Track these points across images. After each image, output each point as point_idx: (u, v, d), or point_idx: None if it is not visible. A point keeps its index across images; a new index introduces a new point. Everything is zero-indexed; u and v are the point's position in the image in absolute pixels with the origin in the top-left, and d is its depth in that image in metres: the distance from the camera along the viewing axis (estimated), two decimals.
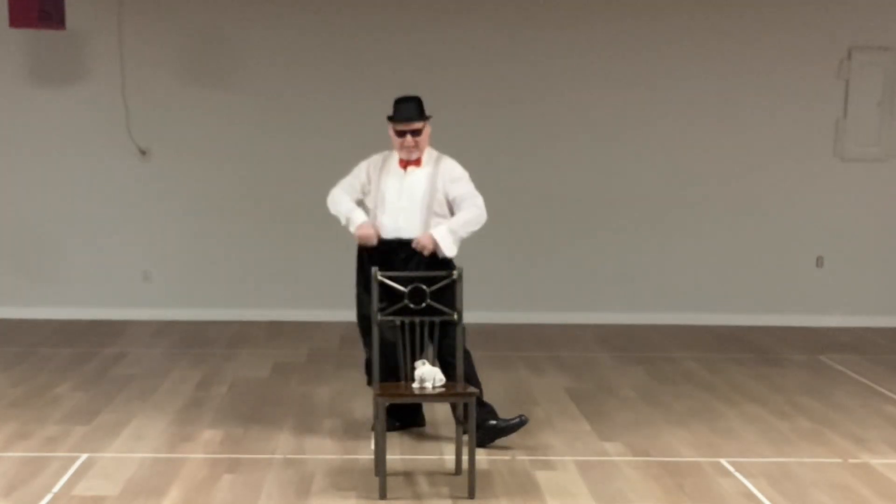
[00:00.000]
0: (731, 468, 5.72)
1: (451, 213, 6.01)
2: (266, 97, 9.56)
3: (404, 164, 6.04)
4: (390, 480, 5.26)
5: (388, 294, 5.52)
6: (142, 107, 9.52)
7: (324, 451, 5.91)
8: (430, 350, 5.66)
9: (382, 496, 5.15)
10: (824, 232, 9.91)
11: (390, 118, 6.02)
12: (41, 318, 9.51)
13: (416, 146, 5.98)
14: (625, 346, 8.90)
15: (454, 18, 9.57)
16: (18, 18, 8.65)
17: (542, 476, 5.54)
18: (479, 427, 5.53)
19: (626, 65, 9.65)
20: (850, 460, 5.92)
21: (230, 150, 9.62)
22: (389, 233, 5.97)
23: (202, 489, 5.27)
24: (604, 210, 9.78)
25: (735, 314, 9.84)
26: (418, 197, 5.97)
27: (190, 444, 6.02)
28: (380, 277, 5.47)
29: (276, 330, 9.29)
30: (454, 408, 5.84)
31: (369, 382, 5.97)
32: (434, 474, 5.54)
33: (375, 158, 6.16)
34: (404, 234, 5.95)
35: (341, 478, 5.46)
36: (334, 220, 6.20)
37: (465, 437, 5.31)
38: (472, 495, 5.16)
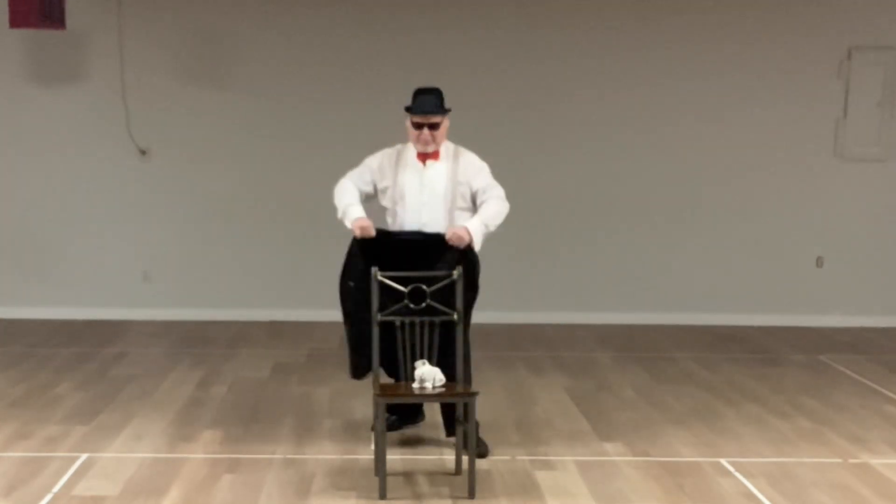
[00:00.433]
0: (731, 468, 5.72)
1: (474, 204, 5.84)
2: (266, 97, 9.56)
3: (422, 157, 5.82)
4: (390, 480, 5.25)
5: (387, 293, 5.49)
6: (142, 107, 9.52)
7: (324, 451, 5.91)
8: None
9: (382, 496, 5.15)
10: (824, 232, 9.91)
11: (408, 109, 5.80)
12: (41, 318, 9.50)
13: (434, 140, 5.77)
14: (625, 346, 8.89)
15: (455, 19, 9.57)
16: (18, 18, 8.65)
17: (542, 476, 5.54)
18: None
19: (625, 66, 9.65)
20: (850, 460, 5.92)
21: (230, 150, 9.62)
22: (411, 228, 5.79)
23: (202, 489, 5.27)
24: (604, 210, 9.78)
25: (735, 314, 9.84)
26: (440, 191, 5.79)
27: (190, 444, 6.02)
28: (380, 277, 5.46)
29: (276, 330, 9.29)
30: (445, 416, 5.83)
31: (354, 376, 5.90)
32: (434, 474, 5.53)
33: (389, 152, 5.94)
34: (428, 229, 5.76)
35: (341, 478, 5.46)
36: (334, 219, 6.06)
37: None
38: (472, 495, 5.16)
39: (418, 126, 5.76)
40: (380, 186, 5.91)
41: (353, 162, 6.15)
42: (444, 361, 5.47)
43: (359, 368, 5.85)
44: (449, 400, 5.46)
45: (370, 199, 5.97)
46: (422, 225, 5.78)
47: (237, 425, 6.38)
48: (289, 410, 6.74)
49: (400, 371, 5.55)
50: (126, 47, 9.46)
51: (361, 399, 6.71)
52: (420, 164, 5.83)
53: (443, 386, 5.32)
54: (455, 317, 5.47)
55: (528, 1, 9.60)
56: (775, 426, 6.57)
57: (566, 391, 7.33)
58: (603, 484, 5.43)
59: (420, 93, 5.82)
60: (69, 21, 8.96)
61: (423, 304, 5.45)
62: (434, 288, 5.46)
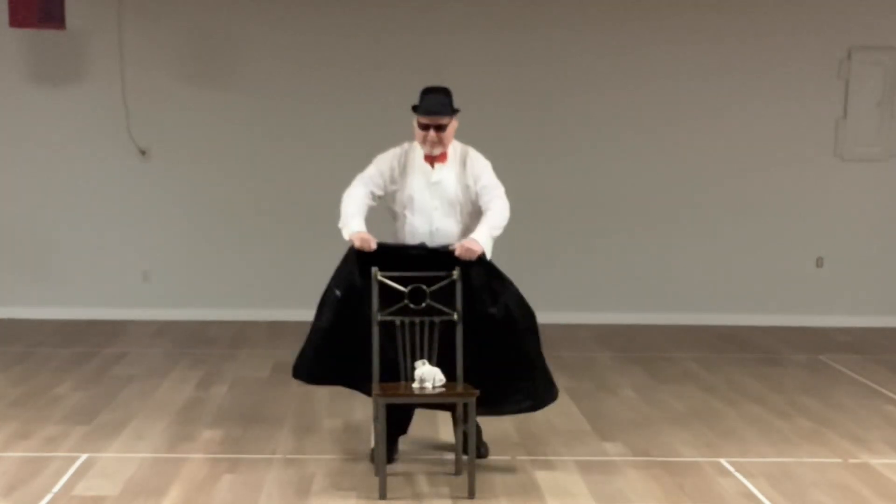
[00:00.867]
0: (731, 468, 5.72)
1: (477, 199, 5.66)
2: (266, 97, 9.56)
3: (430, 159, 5.58)
4: (390, 480, 5.25)
5: (386, 295, 5.47)
6: (142, 107, 9.52)
7: (324, 451, 5.91)
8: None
9: (382, 496, 5.14)
10: (824, 232, 9.91)
11: (415, 108, 5.54)
12: (41, 318, 9.50)
13: (441, 142, 5.52)
14: (625, 346, 8.89)
15: (456, 19, 9.57)
16: (18, 18, 8.67)
17: (542, 476, 5.54)
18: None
19: (625, 66, 9.65)
20: (850, 460, 5.92)
21: (230, 150, 9.62)
22: (422, 236, 5.58)
23: (202, 489, 5.27)
24: (604, 210, 9.78)
25: (735, 314, 9.84)
26: (450, 197, 5.58)
27: (190, 444, 6.02)
28: (380, 277, 5.46)
29: (276, 330, 9.29)
30: (453, 414, 5.78)
31: (296, 375, 5.73)
32: (434, 474, 5.53)
33: (397, 152, 5.66)
34: (439, 236, 5.56)
35: (341, 478, 5.46)
36: (335, 219, 5.94)
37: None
38: (472, 495, 5.16)
39: (425, 127, 5.51)
40: (388, 190, 5.69)
41: (354, 162, 5.98)
42: (444, 361, 5.44)
43: (302, 370, 5.69)
44: (449, 400, 5.45)
45: (383, 201, 5.76)
46: (432, 231, 5.59)
47: (237, 425, 6.38)
48: (289, 410, 6.74)
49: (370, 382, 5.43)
50: (126, 47, 9.46)
51: (361, 399, 6.69)
52: (428, 166, 5.61)
53: (443, 386, 5.31)
54: (455, 317, 5.46)
55: (528, 1, 9.60)
56: (775, 426, 6.57)
57: (566, 391, 7.31)
58: (603, 484, 5.43)
59: (428, 92, 5.57)
60: (69, 21, 8.96)
61: (423, 304, 5.43)
62: (434, 288, 5.43)
